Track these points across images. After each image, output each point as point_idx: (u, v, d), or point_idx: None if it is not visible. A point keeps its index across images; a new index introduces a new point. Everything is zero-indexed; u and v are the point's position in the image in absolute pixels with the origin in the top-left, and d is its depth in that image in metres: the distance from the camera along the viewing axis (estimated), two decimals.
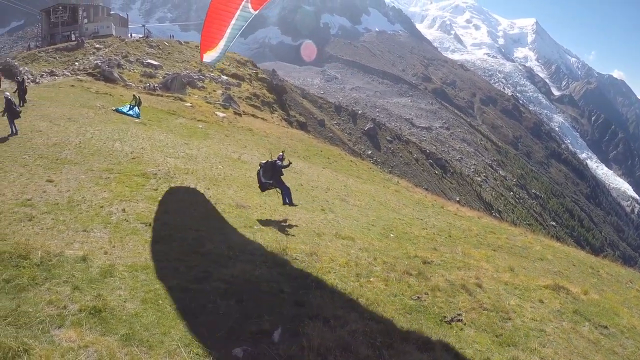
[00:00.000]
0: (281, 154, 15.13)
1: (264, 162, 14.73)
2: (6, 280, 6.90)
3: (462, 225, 19.35)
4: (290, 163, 15.07)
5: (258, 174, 14.68)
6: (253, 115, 49.36)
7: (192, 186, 15.68)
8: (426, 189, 61.33)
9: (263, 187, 14.81)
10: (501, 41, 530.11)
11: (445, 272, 10.83)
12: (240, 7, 14.00)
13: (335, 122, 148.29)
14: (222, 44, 15.72)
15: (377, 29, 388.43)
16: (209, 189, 15.76)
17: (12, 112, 19.76)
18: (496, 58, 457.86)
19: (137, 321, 6.34)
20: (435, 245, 14.36)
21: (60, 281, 7.12)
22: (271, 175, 14.59)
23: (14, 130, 19.46)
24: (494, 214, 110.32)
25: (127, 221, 10.82)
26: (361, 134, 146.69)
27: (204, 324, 6.53)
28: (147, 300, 7.00)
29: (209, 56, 16.21)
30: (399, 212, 19.97)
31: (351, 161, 39.18)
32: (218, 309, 7.01)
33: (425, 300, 8.83)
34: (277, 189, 14.95)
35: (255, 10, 14.37)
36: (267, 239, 11.08)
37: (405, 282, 9.50)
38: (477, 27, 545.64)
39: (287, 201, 15.08)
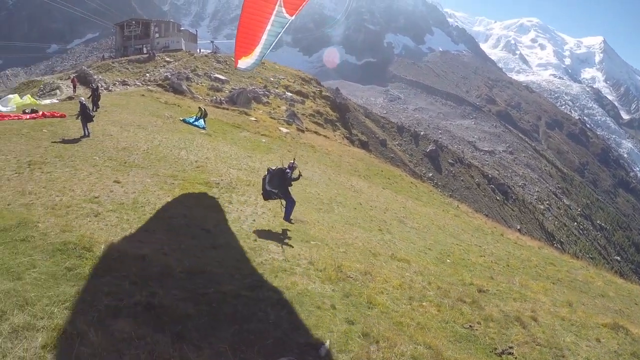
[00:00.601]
0: (292, 162, 14.32)
1: (273, 167, 13.98)
2: (69, 268, 7.33)
3: (521, 255, 18.67)
4: (300, 175, 14.34)
5: (263, 180, 13.80)
6: (316, 133, 49.84)
7: (253, 198, 15.85)
8: (486, 215, 59.56)
9: (266, 195, 13.90)
10: (568, 61, 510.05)
11: (500, 302, 10.46)
12: (274, 12, 13.61)
13: (397, 142, 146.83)
14: (257, 50, 15.35)
15: (440, 49, 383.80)
16: (269, 202, 15.97)
17: (86, 116, 21.25)
18: (562, 79, 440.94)
19: (189, 321, 6.49)
20: (492, 274, 13.93)
21: (120, 275, 7.45)
22: (278, 185, 13.67)
23: (86, 132, 20.97)
24: (555, 244, 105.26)
25: (188, 226, 11.22)
26: (423, 155, 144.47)
27: (253, 331, 6.59)
28: (200, 302, 7.15)
29: (244, 62, 15.99)
30: (457, 238, 19.54)
31: (411, 182, 38.74)
32: (268, 318, 7.06)
33: (477, 329, 8.56)
34: (282, 200, 14.05)
35: (290, 15, 13.79)
36: (323, 254, 11.10)
37: (458, 310, 9.25)
38: (542, 47, 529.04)
39: (287, 217, 14.18)
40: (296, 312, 7.48)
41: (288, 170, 13.82)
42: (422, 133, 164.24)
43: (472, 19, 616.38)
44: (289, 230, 13.05)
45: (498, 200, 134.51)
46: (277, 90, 65.66)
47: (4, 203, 10.68)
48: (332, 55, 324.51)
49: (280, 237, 12.01)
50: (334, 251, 11.96)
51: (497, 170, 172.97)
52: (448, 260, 14.68)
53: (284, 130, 42.36)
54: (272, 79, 73.01)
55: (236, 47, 15.20)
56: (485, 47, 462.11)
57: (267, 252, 10.43)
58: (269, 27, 14.11)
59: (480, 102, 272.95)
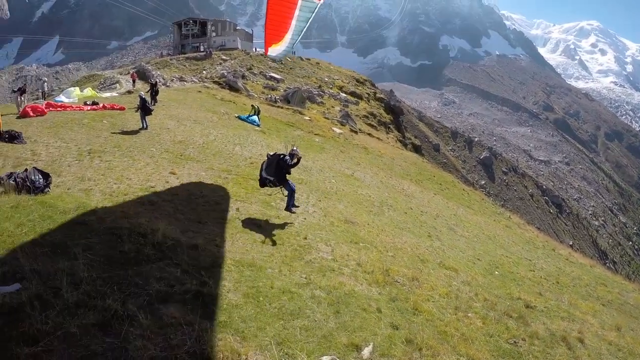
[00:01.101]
0: (294, 148, 13.42)
1: (271, 153, 13.44)
2: (124, 252, 7.63)
3: (572, 273, 17.90)
4: (299, 160, 13.25)
5: (261, 166, 13.31)
6: (369, 134, 49.64)
7: (305, 196, 15.95)
8: (538, 228, 57.50)
9: (261, 183, 13.33)
10: (629, 68, 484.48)
11: (547, 320, 10.07)
12: None
13: (450, 147, 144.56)
14: (288, 37, 15.01)
15: (497, 53, 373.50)
16: (320, 200, 16.05)
17: (145, 109, 22.12)
18: (624, 87, 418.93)
19: (236, 312, 6.59)
20: (540, 290, 13.44)
21: (172, 263, 7.66)
22: (274, 172, 12.96)
23: (144, 125, 21.82)
24: (607, 264, 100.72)
25: (239, 220, 11.41)
26: (476, 162, 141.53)
27: (298, 328, 6.61)
28: (248, 294, 7.25)
29: (274, 50, 15.67)
30: (507, 249, 18.98)
31: (463, 190, 37.90)
32: (314, 316, 7.06)
33: (521, 346, 8.26)
34: (282, 188, 13.35)
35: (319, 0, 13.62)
36: (371, 257, 11.03)
37: (503, 324, 8.98)
38: (603, 52, 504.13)
39: (289, 207, 13.39)
40: (342, 313, 7.45)
41: (287, 158, 13.01)
42: (476, 139, 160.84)
43: (530, 21, 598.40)
44: (338, 231, 13.02)
45: (551, 213, 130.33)
46: (331, 91, 65.81)
47: (65, 187, 11.26)
48: None
49: (330, 237, 12.00)
50: (382, 254, 11.84)
51: (552, 182, 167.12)
52: (496, 272, 14.29)
53: (337, 130, 42.35)
54: (326, 79, 73.30)
55: (266, 35, 14.89)
56: (543, 51, 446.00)
57: (317, 250, 10.45)
58: (297, 12, 13.91)
59: (537, 109, 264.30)
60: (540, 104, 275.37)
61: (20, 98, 25.02)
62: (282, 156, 13.05)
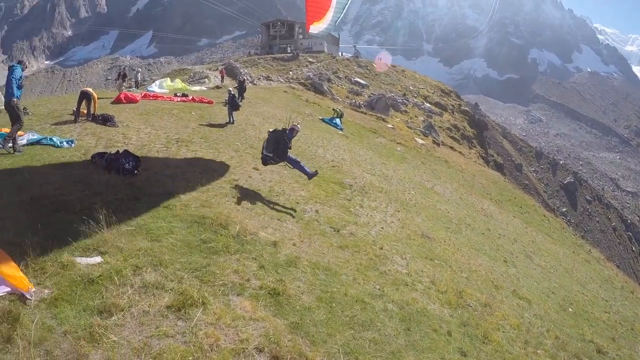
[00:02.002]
0: (295, 124, 13.58)
1: (271, 130, 13.32)
2: (203, 240, 7.76)
3: None
4: (297, 132, 13.38)
5: (262, 144, 13.21)
6: (451, 147, 48.80)
7: (384, 205, 15.69)
8: (618, 266, 53.76)
9: (263, 160, 13.23)
10: None
11: None
12: None
13: (533, 169, 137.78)
14: (329, 15, 15.23)
15: (589, 69, 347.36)
16: (398, 211, 15.71)
17: (233, 105, 22.86)
18: None
19: (308, 315, 6.49)
20: (614, 335, 12.41)
21: (249, 257, 7.72)
22: (274, 148, 12.83)
23: (231, 120, 22.52)
24: None
25: (318, 222, 11.33)
26: (559, 187, 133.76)
27: (368, 340, 6.43)
28: (321, 299, 7.14)
29: (316, 27, 15.89)
30: (583, 286, 17.78)
31: (544, 216, 36.16)
32: (385, 330, 6.86)
33: None
34: (287, 164, 13.32)
35: None
36: (445, 276, 10.59)
37: None
38: None
39: (308, 175, 13.41)
40: (412, 331, 7.21)
41: (287, 132, 13.00)
42: (561, 162, 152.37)
43: (625, 37, 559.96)
44: (414, 245, 12.63)
45: (633, 251, 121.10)
46: (415, 100, 65.37)
47: (152, 172, 11.66)
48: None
49: (406, 250, 11.65)
50: (456, 275, 11.38)
51: (638, 217, 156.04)
52: (570, 309, 13.39)
53: (420, 141, 42.01)
54: (411, 88, 72.82)
55: (307, 12, 15.41)
56: (638, 70, 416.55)
57: (392, 262, 10.19)
58: None
59: (629, 135, 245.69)
60: (633, 129, 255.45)
61: (120, 81, 27.00)
62: (284, 130, 13.12)
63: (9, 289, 5.10)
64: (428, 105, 65.79)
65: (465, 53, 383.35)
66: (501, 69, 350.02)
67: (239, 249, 7.86)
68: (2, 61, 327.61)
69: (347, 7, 15.07)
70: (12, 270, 5.27)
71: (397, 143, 36.08)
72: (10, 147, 11.69)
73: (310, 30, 16.33)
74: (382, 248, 10.90)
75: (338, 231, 11.07)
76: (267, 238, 8.80)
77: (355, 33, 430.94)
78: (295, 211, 11.58)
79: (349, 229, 11.57)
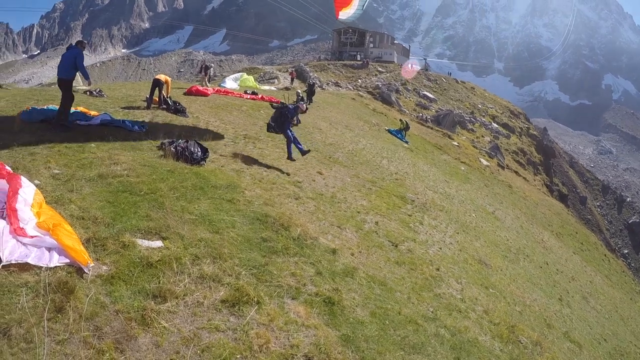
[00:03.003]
0: (301, 102, 15.29)
1: (281, 103, 15.11)
2: (264, 239, 7.74)
3: None
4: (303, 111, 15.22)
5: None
6: (515, 172, 47.61)
7: (443, 225, 15.34)
8: None
9: (267, 128, 14.71)
10: None
11: None
12: None
13: (598, 203, 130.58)
14: (356, 0, 16.59)
15: None
16: (458, 233, 15.32)
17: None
18: None
19: (360, 329, 6.34)
20: None
21: (308, 261, 7.63)
22: (276, 119, 14.31)
23: (297, 121, 22.65)
24: None
25: (377, 234, 11.16)
26: (623, 226, 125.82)
27: None
28: (375, 314, 6.98)
29: (345, 13, 17.27)
30: (638, 338, 16.74)
31: (605, 255, 34.63)
32: (435, 356, 6.62)
33: None
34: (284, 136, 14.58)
35: None
36: (499, 307, 10.18)
37: None
38: None
39: (289, 156, 14.33)
40: (461, 359, 6.95)
41: (290, 107, 14.54)
42: (628, 199, 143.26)
43: None
44: (470, 270, 12.24)
45: None
46: (483, 119, 64.38)
47: (219, 164, 11.96)
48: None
49: (462, 275, 11.30)
50: (510, 307, 10.93)
51: None
52: None
53: (484, 162, 41.41)
54: (480, 106, 71.71)
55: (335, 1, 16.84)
56: None
57: (447, 285, 9.89)
58: None
59: None
60: None
61: (202, 74, 28.42)
62: (285, 106, 14.74)
63: (67, 261, 5.23)
64: (495, 125, 64.91)
65: (537, 74, 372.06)
66: (573, 94, 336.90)
67: (298, 252, 7.79)
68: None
69: None
70: (73, 242, 5.42)
71: (462, 162, 35.73)
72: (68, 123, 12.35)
73: (339, 17, 17.65)
74: (438, 269, 10.67)
75: (396, 246, 10.88)
76: (326, 244, 8.72)
77: (426, 45, 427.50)
78: (355, 220, 11.47)
79: (407, 245, 11.37)
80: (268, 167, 13.41)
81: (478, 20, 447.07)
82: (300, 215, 9.85)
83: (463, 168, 33.06)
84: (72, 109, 13.21)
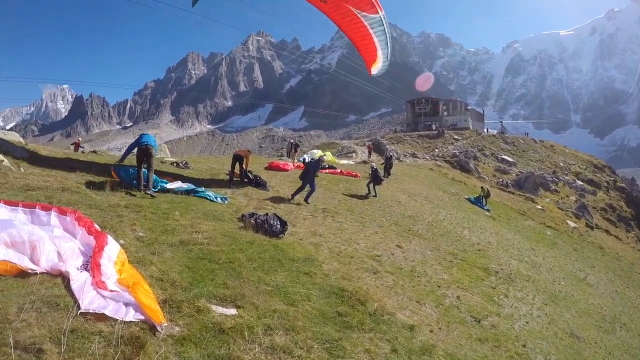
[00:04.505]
0: (322, 157, 21.53)
1: (307, 159, 18.44)
2: (339, 313, 7.54)
3: None
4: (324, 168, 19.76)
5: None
6: (606, 231, 44.79)
7: (530, 297, 14.48)
8: None
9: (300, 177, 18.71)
10: None
11: None
12: (359, 14, 16.34)
13: None
14: (379, 53, 18.15)
15: None
16: (546, 304, 14.42)
17: (376, 179, 23.72)
18: None
19: None
20: None
21: (383, 338, 7.28)
22: (304, 173, 18.41)
23: (374, 193, 23.43)
24: None
25: (458, 309, 10.68)
26: None
27: None
28: None
29: (375, 68, 19.12)
30: None
31: None
32: None
33: None
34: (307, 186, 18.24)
35: (373, 13, 16.53)
36: None
37: None
38: None
39: (306, 198, 17.82)
40: None
41: (312, 162, 18.99)
42: None
43: None
44: (561, 343, 11.38)
45: None
46: (566, 178, 62.03)
47: (297, 237, 12.17)
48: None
49: (551, 351, 10.54)
50: None
51: None
52: None
53: (572, 224, 39.56)
54: (561, 164, 69.32)
55: (364, 59, 18.90)
56: None
57: None
58: (370, 30, 17.14)
59: None
60: None
61: (293, 151, 30.05)
62: (311, 161, 19.28)
63: (142, 317, 5.37)
64: (580, 183, 62.36)
65: (617, 121, 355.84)
66: None
67: (374, 327, 7.50)
68: (170, 121, 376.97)
69: (389, 38, 17.84)
70: (150, 301, 5.59)
71: (547, 226, 34.58)
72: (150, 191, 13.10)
73: (372, 73, 19.45)
74: (524, 345, 10.05)
75: (479, 321, 10.35)
76: (404, 320, 8.41)
77: (500, 108, 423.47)
78: (435, 294, 11.09)
79: (490, 320, 10.80)
80: (346, 240, 13.43)
81: (548, 75, 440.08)
82: (377, 290, 9.68)
83: (549, 233, 31.92)
84: (160, 178, 14.33)
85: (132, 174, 13.61)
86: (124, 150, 15.52)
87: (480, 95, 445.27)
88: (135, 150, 14.07)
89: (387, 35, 17.69)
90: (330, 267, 10.01)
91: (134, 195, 12.39)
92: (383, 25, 17.14)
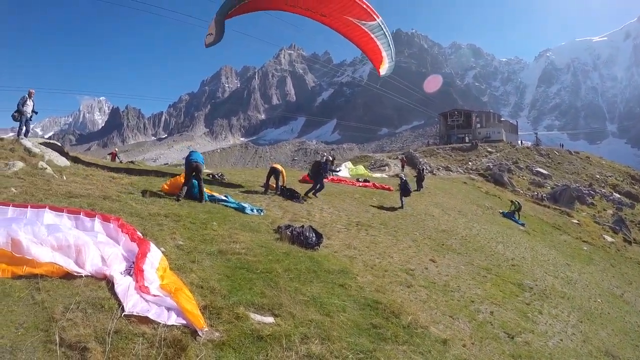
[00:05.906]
0: (331, 157, 21.94)
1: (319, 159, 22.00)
2: (374, 325, 7.63)
3: None
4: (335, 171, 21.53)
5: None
6: None
7: (565, 314, 14.24)
8: None
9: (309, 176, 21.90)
10: None
11: None
12: (358, 23, 17.85)
13: None
14: (384, 54, 19.63)
15: None
16: (581, 322, 14.14)
17: (405, 191, 23.88)
18: None
19: None
20: None
21: (417, 350, 7.32)
22: (314, 172, 20.66)
23: (402, 204, 23.42)
24: None
25: (491, 324, 10.60)
26: None
27: None
28: None
29: (383, 69, 20.57)
30: None
31: None
32: None
33: None
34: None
35: (371, 20, 18.19)
36: None
37: None
38: None
39: (314, 192, 20.19)
40: None
41: (322, 162, 21.27)
42: None
43: None
44: None
45: None
46: (603, 190, 60.39)
47: (332, 250, 12.37)
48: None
49: None
50: None
51: None
52: None
53: (609, 239, 38.23)
54: (597, 176, 67.61)
55: (371, 61, 20.52)
56: None
57: None
58: (372, 35, 18.59)
59: None
60: None
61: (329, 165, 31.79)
62: (319, 161, 21.19)
63: (184, 322, 5.63)
64: (617, 195, 60.52)
65: None
66: None
67: (408, 340, 7.55)
68: (204, 133, 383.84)
69: (390, 41, 19.27)
70: (191, 306, 5.87)
71: (583, 241, 33.81)
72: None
73: (381, 74, 20.84)
74: None
75: (512, 338, 10.25)
76: (437, 334, 8.41)
77: (534, 119, 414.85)
78: (468, 309, 11.05)
79: (524, 336, 10.67)
80: (380, 254, 13.54)
81: (582, 83, 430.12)
82: (411, 303, 9.74)
83: (585, 248, 31.27)
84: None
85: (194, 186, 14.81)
86: (159, 161, 16.71)
87: (514, 106, 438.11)
88: (184, 164, 15.32)
89: (388, 38, 19.04)
90: (365, 280, 10.11)
91: (173, 205, 13.00)
92: (382, 29, 18.55)
